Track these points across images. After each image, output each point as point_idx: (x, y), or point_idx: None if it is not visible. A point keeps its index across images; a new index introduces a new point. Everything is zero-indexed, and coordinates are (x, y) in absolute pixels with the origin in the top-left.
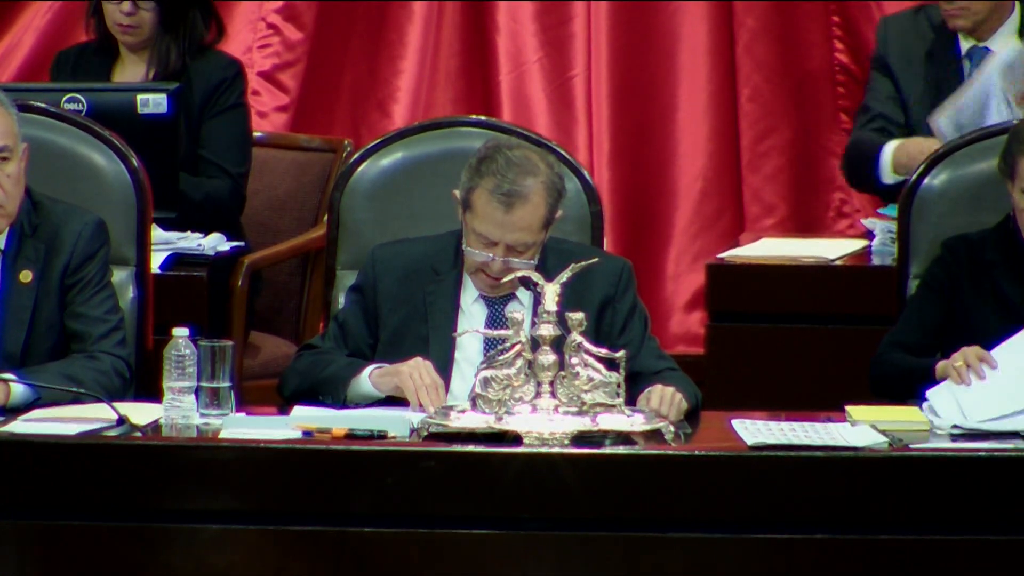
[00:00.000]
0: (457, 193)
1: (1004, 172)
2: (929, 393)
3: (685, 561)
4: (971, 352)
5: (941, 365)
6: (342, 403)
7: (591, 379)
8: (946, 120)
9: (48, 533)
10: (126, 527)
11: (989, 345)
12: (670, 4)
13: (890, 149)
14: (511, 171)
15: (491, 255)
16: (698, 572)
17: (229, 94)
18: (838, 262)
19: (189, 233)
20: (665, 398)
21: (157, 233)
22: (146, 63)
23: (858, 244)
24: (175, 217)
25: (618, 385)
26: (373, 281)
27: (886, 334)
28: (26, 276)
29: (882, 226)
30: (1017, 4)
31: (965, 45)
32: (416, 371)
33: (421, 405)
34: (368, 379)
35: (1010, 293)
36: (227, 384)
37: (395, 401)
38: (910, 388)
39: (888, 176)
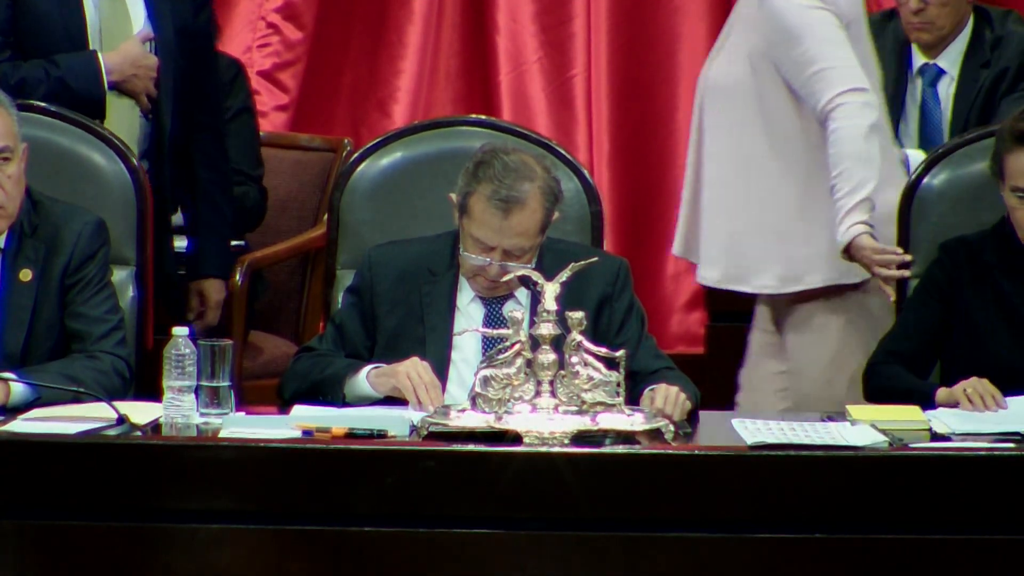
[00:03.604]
0: (453, 197)
1: (995, 173)
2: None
3: (685, 561)
4: (981, 383)
5: (942, 394)
6: (341, 403)
7: (591, 378)
8: None
9: (48, 533)
10: (126, 527)
11: (993, 348)
12: (670, 4)
13: None
14: (508, 176)
15: (488, 259)
16: (698, 572)
17: (234, 97)
18: None
19: None
20: (670, 398)
21: None
22: None
23: None
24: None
25: (618, 384)
26: (369, 283)
27: (883, 339)
28: (26, 275)
29: None
30: (970, 23)
31: (918, 62)
32: (413, 370)
33: (420, 404)
34: (366, 380)
35: (1010, 294)
36: (227, 384)
37: (393, 401)
38: (905, 402)
39: None
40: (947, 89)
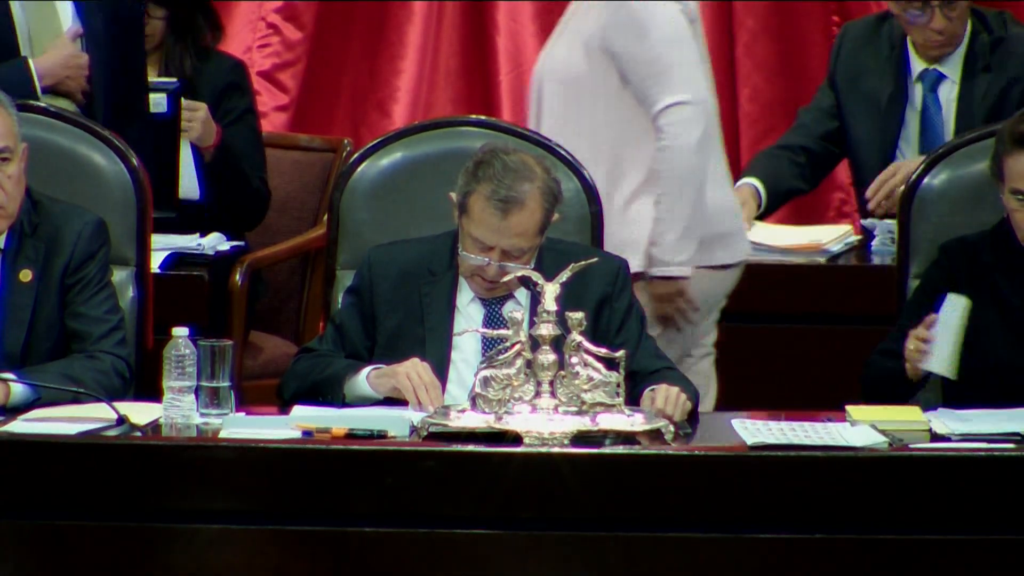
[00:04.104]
0: (453, 196)
1: (994, 174)
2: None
3: (685, 561)
4: (911, 336)
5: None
6: (341, 404)
7: (591, 379)
8: None
9: (48, 533)
10: (126, 527)
11: (992, 349)
12: None
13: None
14: (508, 176)
15: (487, 259)
16: (698, 572)
17: (239, 99)
18: (834, 249)
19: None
20: (670, 398)
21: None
22: (156, 68)
23: (842, 228)
24: (175, 218)
25: (618, 385)
26: (369, 283)
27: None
28: (26, 275)
29: (882, 226)
30: (968, 30)
31: (917, 67)
32: (413, 370)
33: (420, 404)
34: (366, 380)
35: (1009, 295)
36: (227, 384)
37: (393, 402)
38: (893, 393)
39: None
40: (948, 94)
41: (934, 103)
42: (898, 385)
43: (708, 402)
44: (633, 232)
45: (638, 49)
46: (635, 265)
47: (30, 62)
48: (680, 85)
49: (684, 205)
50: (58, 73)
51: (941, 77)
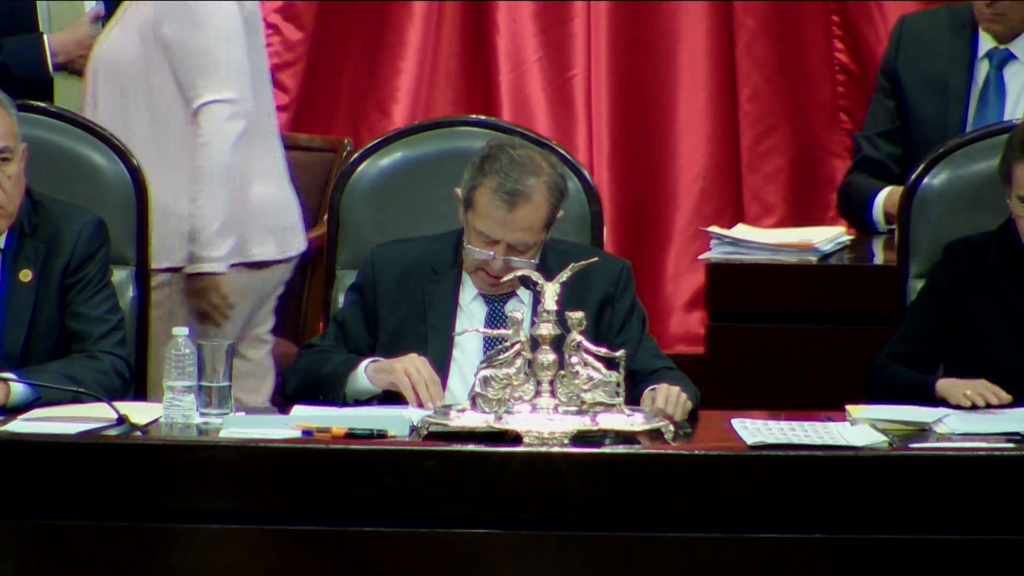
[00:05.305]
0: (459, 191)
1: (1002, 177)
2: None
3: (685, 561)
4: (981, 384)
5: (943, 384)
6: (342, 400)
7: (591, 378)
8: None
9: (48, 533)
10: (126, 527)
11: (996, 350)
12: (670, 4)
13: (880, 199)
14: (514, 170)
15: (491, 253)
16: (698, 572)
17: None
18: (825, 248)
19: None
20: (671, 398)
21: None
22: None
23: (835, 229)
24: None
25: (617, 384)
26: (372, 281)
27: (887, 342)
28: (26, 275)
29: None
30: None
31: (985, 45)
32: (412, 366)
33: (420, 402)
34: (364, 374)
35: (1014, 297)
36: (227, 384)
37: (395, 397)
38: (910, 401)
39: (882, 226)
40: (1017, 74)
41: (996, 80)
42: (919, 396)
43: (264, 392)
44: (176, 226)
45: (189, 39)
46: (176, 260)
47: (45, 38)
48: (224, 82)
49: (220, 201)
50: (72, 51)
51: (1010, 57)
